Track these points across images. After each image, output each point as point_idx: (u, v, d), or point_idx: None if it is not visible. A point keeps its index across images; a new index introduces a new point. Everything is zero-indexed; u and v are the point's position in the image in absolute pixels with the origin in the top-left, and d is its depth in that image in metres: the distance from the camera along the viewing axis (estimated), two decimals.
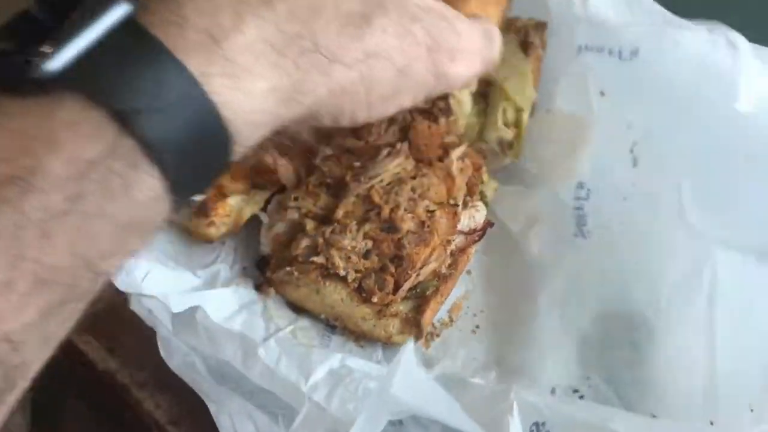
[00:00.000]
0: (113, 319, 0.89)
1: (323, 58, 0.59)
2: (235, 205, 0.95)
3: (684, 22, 1.01)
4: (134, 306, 0.82)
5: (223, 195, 0.95)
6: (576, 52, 1.06)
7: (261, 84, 0.54)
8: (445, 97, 0.96)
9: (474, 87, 1.00)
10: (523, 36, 1.07)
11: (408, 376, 0.65)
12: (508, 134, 1.02)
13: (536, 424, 0.71)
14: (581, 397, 0.85)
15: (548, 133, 1.04)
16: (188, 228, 0.94)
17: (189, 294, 0.85)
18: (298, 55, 0.57)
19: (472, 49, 0.75)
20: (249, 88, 0.53)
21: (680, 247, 0.90)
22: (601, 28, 1.04)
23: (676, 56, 1.00)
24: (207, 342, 0.78)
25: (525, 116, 1.02)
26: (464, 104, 1.00)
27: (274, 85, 0.55)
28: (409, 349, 0.66)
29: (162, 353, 0.80)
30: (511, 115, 1.02)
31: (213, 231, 0.93)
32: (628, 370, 0.86)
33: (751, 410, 0.79)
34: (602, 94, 1.02)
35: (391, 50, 0.65)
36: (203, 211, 0.92)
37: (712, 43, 0.97)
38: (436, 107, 0.96)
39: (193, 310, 0.78)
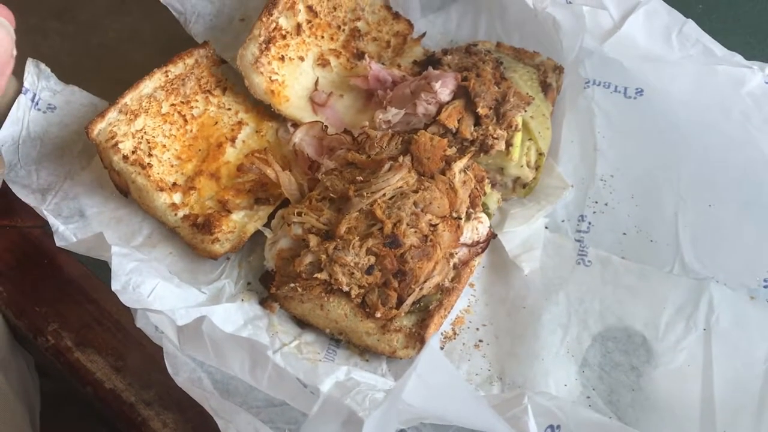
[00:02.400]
0: (119, 338, 0.90)
1: None
2: (238, 221, 0.96)
3: (725, 54, 1.03)
4: (140, 323, 0.82)
5: (227, 211, 0.96)
6: (583, 85, 1.09)
7: None
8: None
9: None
10: (543, 75, 1.09)
11: (425, 378, 0.65)
12: (528, 176, 1.03)
13: (551, 426, 0.73)
14: None
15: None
16: (193, 244, 0.95)
17: (195, 309, 0.86)
18: None
19: None
20: None
21: (677, 280, 0.95)
22: (611, 65, 1.07)
23: (680, 99, 1.04)
24: (213, 355, 0.78)
25: (543, 161, 1.04)
26: (515, 147, 1.02)
27: None
28: (435, 344, 0.65)
29: (169, 369, 0.80)
30: (533, 156, 1.04)
31: (217, 247, 0.94)
32: (628, 392, 0.88)
33: None
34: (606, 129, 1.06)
35: None
36: (207, 227, 0.93)
37: (736, 82, 1.01)
38: (490, 137, 0.98)
39: (199, 321, 0.78)
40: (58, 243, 0.90)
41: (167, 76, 1.03)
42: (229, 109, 1.07)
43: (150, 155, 0.98)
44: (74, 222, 0.96)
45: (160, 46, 1.18)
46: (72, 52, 1.15)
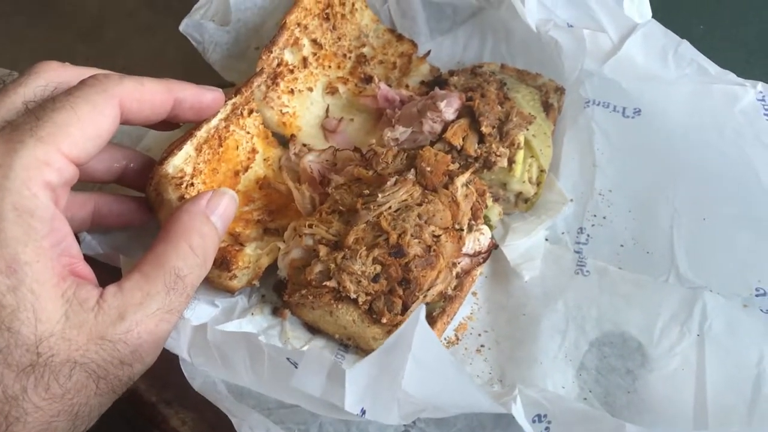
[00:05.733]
0: None
1: None
2: (252, 254, 0.96)
3: (718, 72, 1.08)
4: None
5: (239, 244, 0.96)
6: (583, 105, 1.15)
7: None
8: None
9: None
10: (545, 96, 1.14)
11: (420, 360, 0.69)
12: (530, 192, 1.08)
13: (538, 415, 0.77)
14: None
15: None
16: (209, 279, 0.93)
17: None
18: None
19: None
20: None
21: (672, 289, 0.98)
22: (610, 86, 1.13)
23: (676, 119, 1.09)
24: (221, 363, 0.82)
25: (544, 177, 1.09)
26: (518, 163, 1.06)
27: None
28: (422, 319, 0.69)
29: (186, 376, 0.85)
30: (534, 172, 1.08)
31: (235, 283, 0.95)
32: (624, 394, 0.91)
33: None
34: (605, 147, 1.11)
35: None
36: (225, 265, 0.93)
37: (730, 101, 1.06)
38: (493, 154, 1.03)
39: (203, 328, 0.82)
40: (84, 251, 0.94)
41: (234, 106, 1.00)
42: (248, 132, 1.04)
43: (191, 184, 0.93)
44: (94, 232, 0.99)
45: (185, 68, 1.22)
46: None
